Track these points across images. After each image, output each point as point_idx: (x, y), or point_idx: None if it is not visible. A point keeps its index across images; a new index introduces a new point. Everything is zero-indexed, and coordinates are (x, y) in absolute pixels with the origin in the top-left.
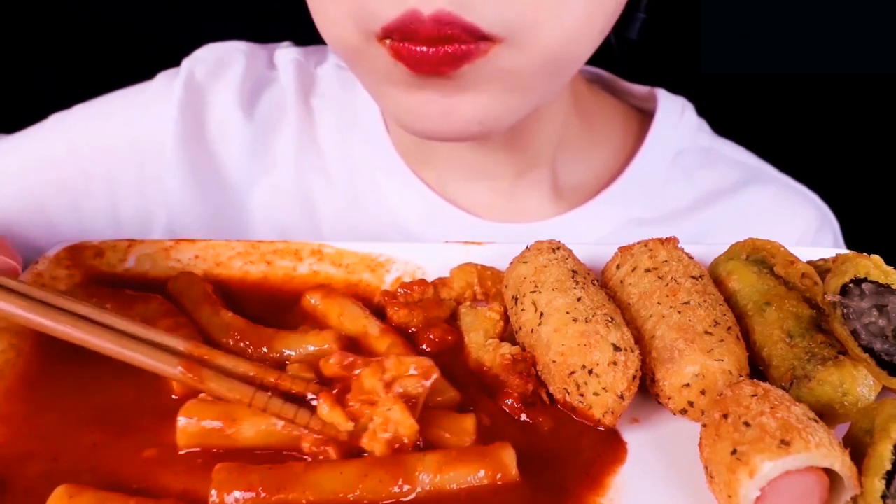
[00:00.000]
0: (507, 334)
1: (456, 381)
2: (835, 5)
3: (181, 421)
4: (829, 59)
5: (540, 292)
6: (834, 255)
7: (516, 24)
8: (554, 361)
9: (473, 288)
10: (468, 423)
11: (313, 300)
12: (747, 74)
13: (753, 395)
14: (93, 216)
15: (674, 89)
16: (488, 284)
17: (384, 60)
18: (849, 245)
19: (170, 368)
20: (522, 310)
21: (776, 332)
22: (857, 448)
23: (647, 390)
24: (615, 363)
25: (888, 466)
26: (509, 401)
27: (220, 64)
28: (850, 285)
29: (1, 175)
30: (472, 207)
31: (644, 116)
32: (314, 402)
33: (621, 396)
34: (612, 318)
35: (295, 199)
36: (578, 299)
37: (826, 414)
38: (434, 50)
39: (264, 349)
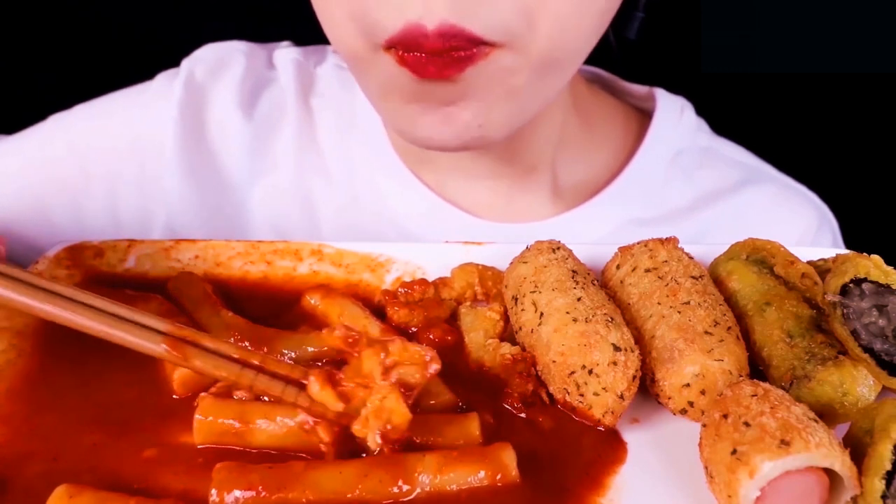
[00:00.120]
0: (507, 334)
1: (456, 381)
2: (835, 5)
3: (198, 418)
4: (829, 59)
5: (540, 292)
6: (834, 255)
7: (512, 29)
8: (554, 361)
9: (474, 288)
10: (472, 426)
11: (313, 300)
12: (747, 74)
13: (753, 395)
14: (93, 216)
15: (673, 89)
16: (489, 284)
17: (391, 67)
18: (848, 245)
19: (154, 346)
20: (522, 310)
21: (776, 332)
22: (857, 448)
23: (647, 390)
24: (615, 363)
25: (888, 466)
26: (509, 400)
27: (219, 64)
28: (850, 285)
29: (1, 175)
30: (472, 207)
31: (643, 116)
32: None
33: (621, 396)
34: (612, 318)
35: (295, 199)
36: (578, 299)
37: (826, 414)
38: (439, 57)
39: (264, 349)
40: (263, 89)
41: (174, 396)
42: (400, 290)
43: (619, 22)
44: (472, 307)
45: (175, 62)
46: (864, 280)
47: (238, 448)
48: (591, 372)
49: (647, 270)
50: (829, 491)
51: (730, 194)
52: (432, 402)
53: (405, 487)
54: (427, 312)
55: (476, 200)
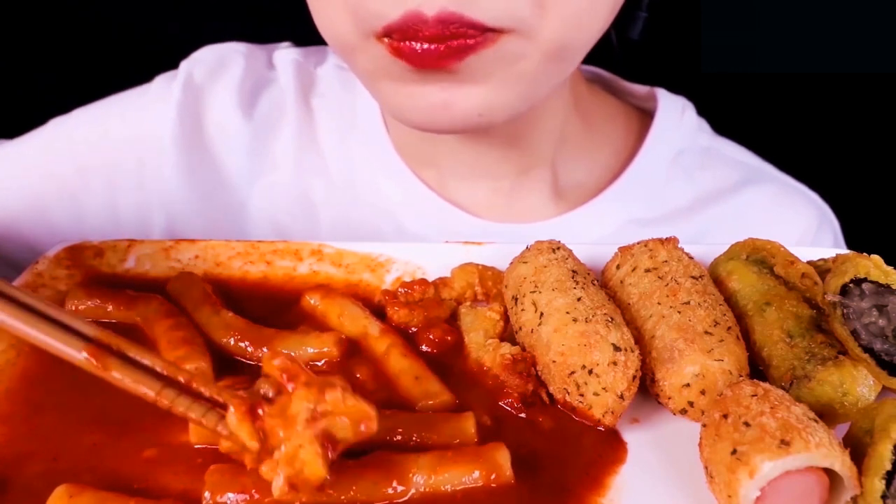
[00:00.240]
0: (507, 334)
1: (456, 381)
2: (835, 5)
3: None
4: (829, 59)
5: (540, 292)
6: (834, 255)
7: (520, 15)
8: (554, 361)
9: (474, 288)
10: (468, 425)
11: (313, 300)
12: (747, 74)
13: (753, 395)
14: (93, 217)
15: (674, 89)
16: (489, 284)
17: (381, 57)
18: (849, 245)
19: (75, 353)
20: (522, 310)
21: (776, 332)
22: (857, 448)
23: (647, 390)
24: (615, 363)
25: (888, 466)
26: (509, 400)
27: (218, 65)
28: (850, 285)
29: (2, 179)
30: (473, 207)
31: (644, 116)
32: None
33: (621, 396)
34: (612, 318)
35: (295, 199)
36: (578, 299)
37: (826, 414)
38: (436, 46)
39: (264, 350)
40: (263, 90)
41: None
42: (400, 290)
43: (622, 22)
44: (472, 307)
45: (175, 63)
46: (864, 280)
47: None
48: (591, 372)
49: (647, 270)
50: (829, 491)
51: (731, 194)
52: (431, 402)
53: (400, 488)
54: (427, 312)
55: (477, 200)
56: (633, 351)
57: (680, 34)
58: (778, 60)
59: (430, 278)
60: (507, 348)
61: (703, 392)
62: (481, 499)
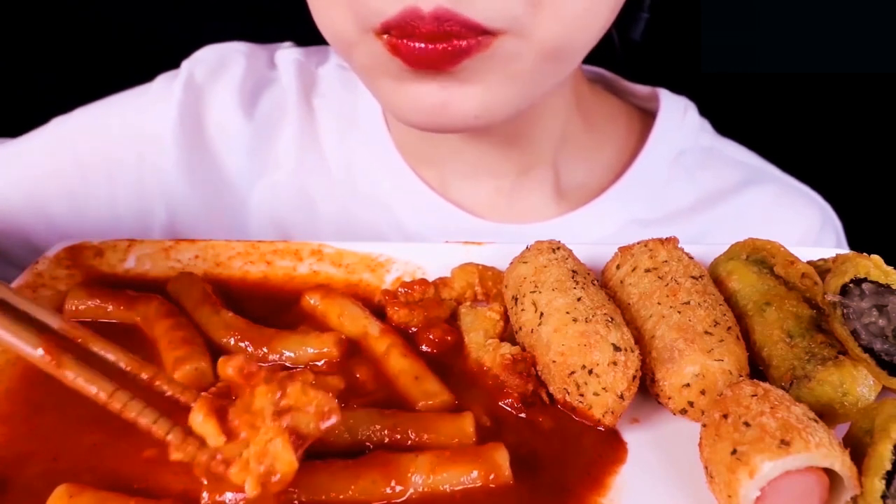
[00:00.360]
0: (507, 334)
1: (456, 382)
2: (835, 5)
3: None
4: (829, 59)
5: (540, 292)
6: (834, 254)
7: (518, 16)
8: (554, 361)
9: (474, 288)
10: (467, 424)
11: (313, 300)
12: (747, 74)
13: (753, 395)
14: (94, 217)
15: (674, 89)
16: (489, 284)
17: (379, 53)
18: (852, 245)
19: (30, 349)
20: (522, 310)
21: (776, 332)
22: (857, 448)
23: (647, 390)
24: (615, 363)
25: (888, 466)
26: (509, 400)
27: (219, 65)
28: (850, 285)
29: (3, 178)
30: (474, 208)
31: (646, 116)
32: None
33: (621, 396)
34: (612, 318)
35: (295, 199)
36: (578, 299)
37: (826, 414)
38: (433, 47)
39: (264, 349)
40: (264, 89)
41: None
42: (400, 290)
43: (624, 22)
44: (472, 307)
45: (175, 62)
46: (864, 280)
47: None
48: (591, 372)
49: (647, 270)
50: (829, 491)
51: (733, 194)
52: (430, 402)
53: (398, 488)
54: (427, 312)
55: (478, 201)
56: (633, 351)
57: (680, 34)
58: (778, 60)
59: (430, 278)
60: (507, 348)
61: (703, 392)
62: (480, 499)
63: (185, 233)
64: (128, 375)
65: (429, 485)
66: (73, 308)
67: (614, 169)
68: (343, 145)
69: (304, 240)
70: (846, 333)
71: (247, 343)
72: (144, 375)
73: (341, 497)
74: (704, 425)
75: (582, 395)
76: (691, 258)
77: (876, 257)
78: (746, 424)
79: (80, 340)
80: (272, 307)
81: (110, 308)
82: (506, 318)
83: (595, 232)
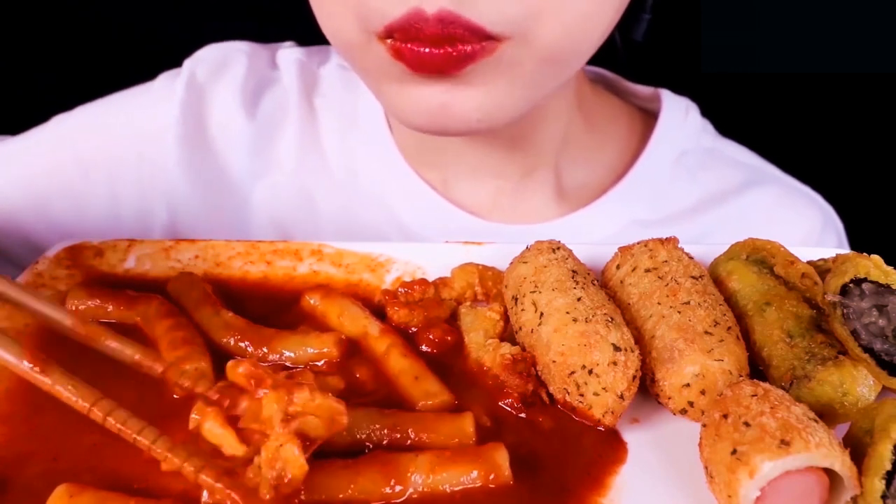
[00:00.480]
0: (507, 334)
1: (456, 382)
2: (835, 5)
3: (194, 417)
4: (829, 59)
5: (540, 292)
6: (834, 255)
7: (519, 21)
8: (554, 361)
9: (474, 288)
10: (467, 424)
11: (313, 300)
12: (747, 74)
13: (753, 395)
14: (95, 216)
15: (673, 89)
16: (489, 284)
17: (383, 58)
18: (853, 246)
19: (14, 360)
20: (522, 310)
21: (776, 332)
22: (857, 448)
23: (647, 390)
24: (615, 363)
25: (888, 466)
26: (509, 400)
27: (221, 64)
28: (850, 285)
29: (3, 176)
30: (476, 208)
31: (648, 117)
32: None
33: (621, 396)
34: (612, 318)
35: (297, 199)
36: (578, 299)
37: (826, 414)
38: (438, 51)
39: (264, 349)
40: (266, 89)
41: (174, 396)
42: (400, 290)
43: (626, 24)
44: (472, 307)
45: (175, 62)
46: (864, 280)
47: None
48: (591, 372)
49: (647, 270)
50: (829, 491)
51: (734, 195)
52: (430, 402)
53: (398, 488)
54: (427, 312)
55: (480, 201)
56: (633, 351)
57: (680, 34)
58: (778, 60)
59: (430, 278)
60: (507, 348)
61: (703, 392)
62: (480, 499)
63: (185, 232)
64: (140, 365)
65: (428, 485)
66: (73, 308)
67: (616, 169)
68: (344, 145)
69: (305, 240)
70: (846, 333)
71: (247, 343)
72: (159, 368)
73: (341, 496)
74: (704, 425)
75: (582, 395)
76: (691, 258)
77: (876, 257)
78: (746, 424)
79: (92, 336)
80: (272, 307)
81: (110, 308)
82: (506, 318)
83: (596, 233)
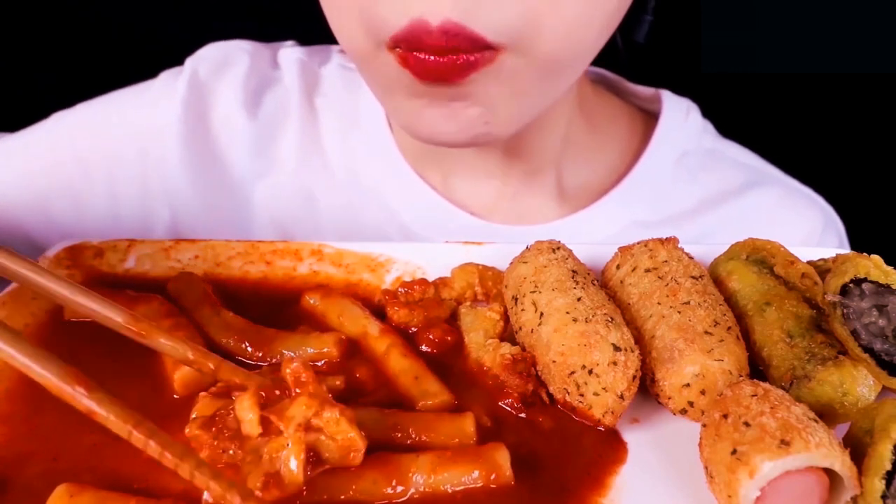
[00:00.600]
0: (507, 334)
1: (456, 382)
2: (835, 5)
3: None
4: (829, 59)
5: (540, 292)
6: (834, 255)
7: (519, 31)
8: (554, 361)
9: (474, 288)
10: (467, 424)
11: (313, 300)
12: (747, 74)
13: (753, 395)
14: (95, 215)
15: (673, 89)
16: (489, 284)
17: (392, 67)
18: (853, 247)
19: (66, 387)
20: (522, 310)
21: (776, 332)
22: (857, 448)
23: (647, 390)
24: (615, 363)
25: (888, 466)
26: (509, 400)
27: (223, 63)
28: (850, 285)
29: (3, 173)
30: (477, 209)
31: (649, 118)
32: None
33: (621, 396)
34: (612, 318)
35: (298, 198)
36: (578, 299)
37: (826, 414)
38: (442, 59)
39: (264, 350)
40: (268, 89)
41: (175, 396)
42: (400, 290)
43: (628, 25)
44: (472, 307)
45: (176, 62)
46: (864, 280)
47: None
48: (591, 372)
49: (647, 270)
50: (829, 491)
51: (735, 196)
52: (430, 402)
53: (399, 488)
54: (427, 312)
55: (481, 202)
56: (633, 351)
57: (680, 35)
58: (778, 60)
59: (430, 278)
60: (507, 348)
61: (703, 392)
62: (481, 499)
63: (187, 231)
64: (194, 365)
65: (430, 485)
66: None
67: (617, 170)
68: (345, 145)
69: (306, 239)
70: (846, 333)
71: (247, 343)
72: (210, 365)
73: (342, 497)
74: (704, 425)
75: (582, 395)
76: (691, 258)
77: (876, 257)
78: (746, 424)
79: (144, 332)
80: (272, 307)
81: None
82: (506, 318)
83: (598, 234)
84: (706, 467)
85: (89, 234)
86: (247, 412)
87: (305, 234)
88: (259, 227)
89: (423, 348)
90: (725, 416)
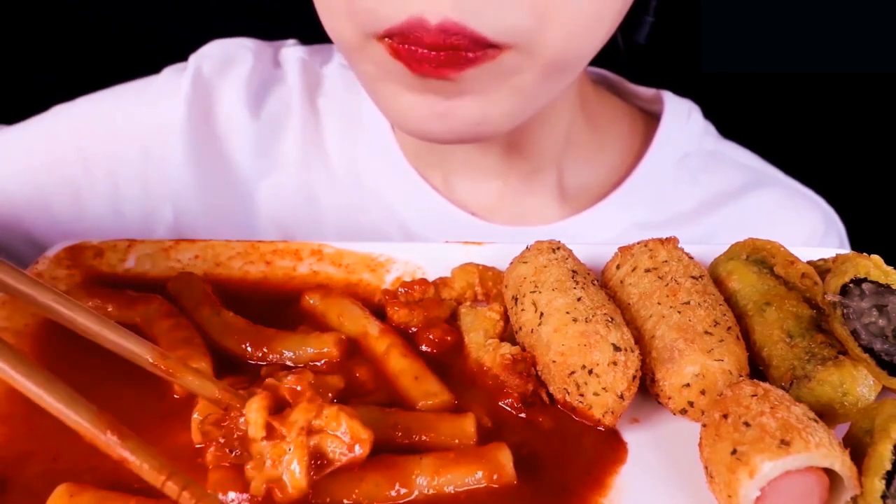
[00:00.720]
0: (507, 334)
1: (456, 382)
2: (835, 5)
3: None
4: (829, 59)
5: (540, 292)
6: (834, 255)
7: (521, 31)
8: (554, 361)
9: (474, 288)
10: (468, 424)
11: (313, 300)
12: (747, 74)
13: (753, 395)
14: (96, 212)
15: (673, 89)
16: (489, 284)
17: (381, 57)
18: (854, 247)
19: (97, 432)
20: (522, 310)
21: (776, 332)
22: (857, 448)
23: (647, 390)
24: (615, 363)
25: (888, 466)
26: (509, 400)
27: (227, 61)
28: (850, 285)
29: (3, 169)
30: (478, 210)
31: (650, 119)
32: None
33: (621, 396)
34: (612, 318)
35: (299, 198)
36: (578, 299)
37: (826, 414)
38: (436, 53)
39: (264, 350)
40: (270, 88)
41: (175, 396)
42: (400, 290)
43: (629, 26)
44: (472, 307)
45: (175, 62)
46: (864, 280)
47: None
48: (591, 372)
49: (647, 270)
50: (829, 491)
51: (736, 198)
52: (430, 402)
53: (403, 490)
54: (427, 312)
55: (482, 203)
56: (633, 351)
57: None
58: (778, 60)
59: (430, 278)
60: (507, 348)
61: (703, 392)
62: (484, 499)
63: (189, 229)
64: (222, 403)
65: (434, 486)
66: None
67: (618, 171)
68: (347, 145)
69: (307, 239)
70: (846, 333)
71: (247, 343)
72: (237, 405)
73: (345, 500)
74: (704, 425)
75: (582, 395)
76: (691, 258)
77: (876, 257)
78: (746, 424)
79: (174, 372)
80: (272, 307)
81: (110, 308)
82: (506, 318)
83: (599, 235)
84: (706, 467)
85: (90, 232)
86: (255, 413)
87: (306, 234)
88: (261, 227)
89: (423, 348)
90: (725, 416)
